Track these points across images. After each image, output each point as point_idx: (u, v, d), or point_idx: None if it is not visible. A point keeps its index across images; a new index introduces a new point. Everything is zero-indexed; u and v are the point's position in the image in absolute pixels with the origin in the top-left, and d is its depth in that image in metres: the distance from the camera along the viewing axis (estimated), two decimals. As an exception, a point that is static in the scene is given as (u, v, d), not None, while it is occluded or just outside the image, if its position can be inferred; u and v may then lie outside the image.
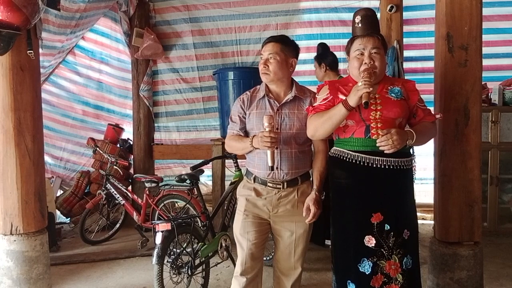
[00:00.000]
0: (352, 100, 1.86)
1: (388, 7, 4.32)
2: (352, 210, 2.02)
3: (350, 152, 1.99)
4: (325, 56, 3.85)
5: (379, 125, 1.93)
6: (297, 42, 5.08)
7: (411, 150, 2.08)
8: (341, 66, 4.40)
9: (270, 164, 2.02)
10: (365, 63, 1.95)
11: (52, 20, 3.69)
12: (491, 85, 4.27)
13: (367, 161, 1.95)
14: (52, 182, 4.92)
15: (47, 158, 4.86)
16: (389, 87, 2.01)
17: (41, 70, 3.58)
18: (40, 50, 2.97)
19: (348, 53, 2.09)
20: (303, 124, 2.13)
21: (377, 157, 1.94)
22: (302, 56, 5.08)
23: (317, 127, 2.02)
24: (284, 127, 2.12)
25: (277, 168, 2.09)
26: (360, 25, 2.02)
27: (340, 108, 1.91)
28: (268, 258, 3.29)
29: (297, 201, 2.13)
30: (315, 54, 4.03)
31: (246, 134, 2.22)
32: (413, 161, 2.05)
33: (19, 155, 2.75)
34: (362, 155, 1.96)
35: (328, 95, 2.05)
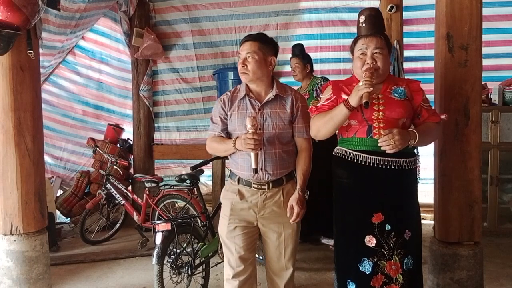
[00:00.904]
0: (353, 100, 1.86)
1: (388, 7, 4.32)
2: (353, 209, 2.02)
3: (352, 152, 2.00)
4: (309, 58, 3.87)
5: (381, 125, 1.93)
6: (297, 42, 5.09)
7: (415, 151, 2.08)
8: (341, 66, 4.42)
9: (254, 167, 1.99)
10: (367, 63, 1.95)
11: (52, 20, 3.69)
12: (491, 85, 4.27)
13: (369, 160, 1.95)
14: (52, 182, 4.92)
15: (47, 158, 4.86)
16: (392, 87, 2.01)
17: (41, 70, 3.58)
18: (40, 50, 2.97)
19: (352, 52, 2.09)
20: (286, 123, 2.11)
21: (378, 157, 1.94)
22: (301, 56, 5.03)
23: (320, 127, 2.02)
24: (266, 127, 2.09)
25: (261, 169, 2.06)
26: (364, 25, 2.02)
27: (341, 108, 1.91)
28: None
29: (283, 202, 2.11)
30: (315, 54, 4.04)
31: (228, 135, 2.18)
32: (416, 162, 2.05)
33: (19, 155, 2.75)
34: (363, 154, 1.96)
35: (332, 95, 2.05)
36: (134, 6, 4.69)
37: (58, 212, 4.74)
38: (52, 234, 3.61)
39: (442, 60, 2.39)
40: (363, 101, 1.81)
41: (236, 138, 2.05)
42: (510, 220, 4.23)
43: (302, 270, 3.35)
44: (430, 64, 2.48)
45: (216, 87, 4.58)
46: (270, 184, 2.11)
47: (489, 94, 4.28)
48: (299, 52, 3.85)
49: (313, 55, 4.73)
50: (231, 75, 4.26)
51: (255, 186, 2.11)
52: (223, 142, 2.14)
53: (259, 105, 2.12)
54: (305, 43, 4.83)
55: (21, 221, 2.77)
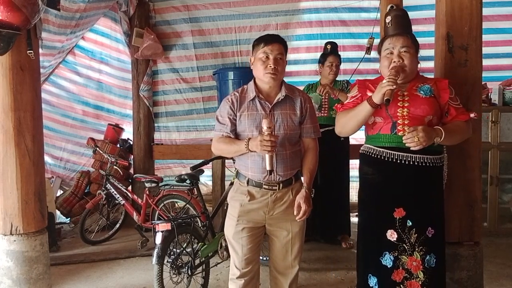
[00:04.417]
0: (376, 97, 1.90)
1: (388, 7, 4.30)
2: (375, 203, 2.07)
3: (377, 148, 2.04)
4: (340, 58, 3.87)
5: (406, 122, 1.95)
6: (297, 42, 5.12)
7: (443, 149, 2.09)
8: (341, 66, 4.40)
9: (268, 168, 1.98)
10: (394, 62, 1.99)
11: (52, 20, 3.69)
12: (491, 85, 4.27)
13: (392, 156, 1.99)
14: (52, 182, 4.92)
15: (47, 158, 4.86)
16: (419, 85, 2.03)
17: (41, 70, 3.58)
18: (40, 50, 2.97)
19: (379, 53, 2.13)
20: (296, 124, 2.12)
21: (402, 153, 1.97)
22: (302, 56, 5.11)
23: (344, 124, 2.08)
24: (277, 128, 2.08)
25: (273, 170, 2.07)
26: (390, 25, 2.06)
27: (365, 105, 1.96)
28: (267, 258, 3.29)
29: (292, 201, 2.12)
30: (315, 54, 4.03)
31: (236, 135, 2.16)
32: (443, 160, 2.07)
33: (19, 155, 2.75)
34: (387, 150, 2.00)
35: (357, 93, 2.10)
36: (134, 6, 4.69)
37: (58, 212, 4.74)
38: (52, 234, 3.61)
39: (442, 60, 2.39)
40: (385, 99, 1.85)
41: (249, 139, 2.03)
42: (510, 220, 4.23)
43: (302, 270, 3.34)
44: (430, 64, 2.49)
45: (216, 87, 4.58)
46: (281, 185, 2.11)
47: (489, 94, 4.28)
48: (336, 50, 3.83)
49: (313, 55, 4.73)
50: (231, 75, 4.26)
51: (266, 187, 2.10)
52: (233, 143, 2.11)
53: (270, 106, 2.10)
54: (305, 43, 4.86)
55: (21, 221, 2.76)
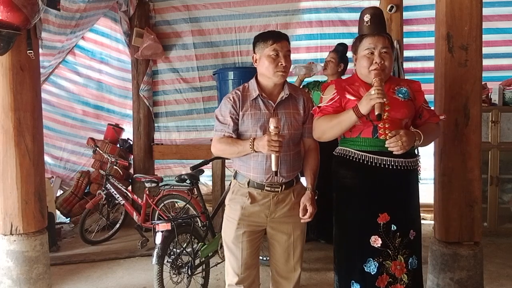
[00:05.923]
0: (364, 108, 1.84)
1: (388, 7, 4.32)
2: (358, 210, 2.01)
3: (357, 152, 1.99)
4: (346, 59, 3.84)
5: (386, 126, 1.93)
6: (297, 42, 5.10)
7: (416, 151, 2.08)
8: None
9: (274, 169, 1.91)
10: (376, 63, 1.94)
11: (52, 20, 3.69)
12: (491, 85, 4.27)
13: (375, 161, 1.95)
14: (52, 182, 4.92)
15: (47, 158, 4.86)
16: (396, 88, 2.00)
17: (41, 70, 3.58)
18: (40, 50, 2.97)
19: (355, 52, 2.06)
20: (300, 123, 2.08)
21: (384, 157, 1.94)
22: (302, 56, 5.11)
23: (325, 131, 2.00)
24: (281, 128, 2.00)
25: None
26: (369, 24, 1.99)
27: (351, 115, 1.89)
28: (267, 258, 3.28)
29: (294, 203, 2.08)
30: (315, 54, 4.02)
31: (237, 136, 2.09)
32: (418, 162, 2.05)
33: (19, 155, 2.75)
34: (369, 155, 1.96)
35: (335, 95, 2.02)
36: (134, 6, 4.68)
37: (58, 212, 4.74)
38: (52, 234, 3.62)
39: (442, 60, 2.40)
40: (376, 113, 1.79)
41: (254, 139, 1.96)
42: (510, 220, 4.23)
43: (302, 270, 3.31)
44: (430, 64, 2.49)
45: (216, 87, 4.58)
46: (283, 186, 2.06)
47: (489, 94, 4.28)
48: (339, 50, 3.83)
49: (313, 55, 4.73)
50: (231, 75, 4.26)
51: (268, 188, 2.04)
52: (236, 144, 2.03)
53: (273, 105, 2.05)
54: (305, 43, 4.86)
55: (21, 221, 2.76)
